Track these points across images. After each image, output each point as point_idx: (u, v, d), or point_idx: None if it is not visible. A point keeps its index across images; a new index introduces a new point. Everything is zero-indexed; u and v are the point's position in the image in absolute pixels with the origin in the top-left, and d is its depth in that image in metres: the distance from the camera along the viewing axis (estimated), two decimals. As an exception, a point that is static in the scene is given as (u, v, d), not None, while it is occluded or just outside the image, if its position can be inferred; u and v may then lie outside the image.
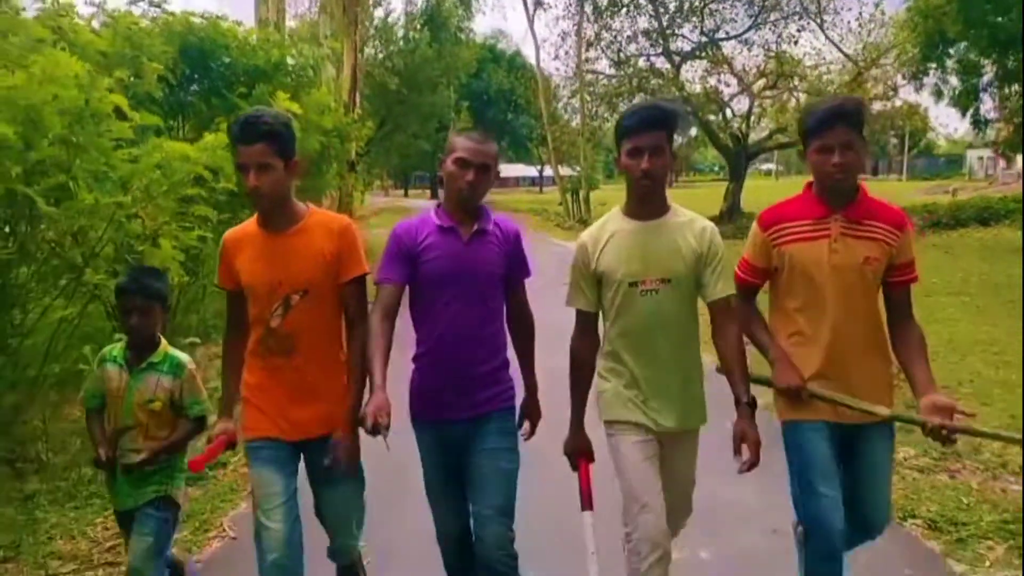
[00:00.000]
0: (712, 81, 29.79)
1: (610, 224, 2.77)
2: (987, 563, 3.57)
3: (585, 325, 2.81)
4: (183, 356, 3.05)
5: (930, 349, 2.72)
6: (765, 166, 76.99)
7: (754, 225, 2.85)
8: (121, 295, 2.97)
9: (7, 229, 4.53)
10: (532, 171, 63.95)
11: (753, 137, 31.09)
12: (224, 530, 4.08)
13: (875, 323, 2.71)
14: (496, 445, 2.71)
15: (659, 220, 2.71)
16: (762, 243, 2.79)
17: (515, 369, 2.89)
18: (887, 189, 37.40)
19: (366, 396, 2.49)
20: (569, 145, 32.72)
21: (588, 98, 30.97)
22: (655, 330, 2.68)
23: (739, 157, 29.74)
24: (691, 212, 2.78)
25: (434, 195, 55.25)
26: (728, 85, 29.88)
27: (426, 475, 2.82)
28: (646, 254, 2.67)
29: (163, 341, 3.01)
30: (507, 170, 57.09)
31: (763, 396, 2.70)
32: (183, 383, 2.98)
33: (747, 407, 2.59)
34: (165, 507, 2.96)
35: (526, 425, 2.92)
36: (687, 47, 29.89)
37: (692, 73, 30.65)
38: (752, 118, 30.69)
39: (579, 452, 2.78)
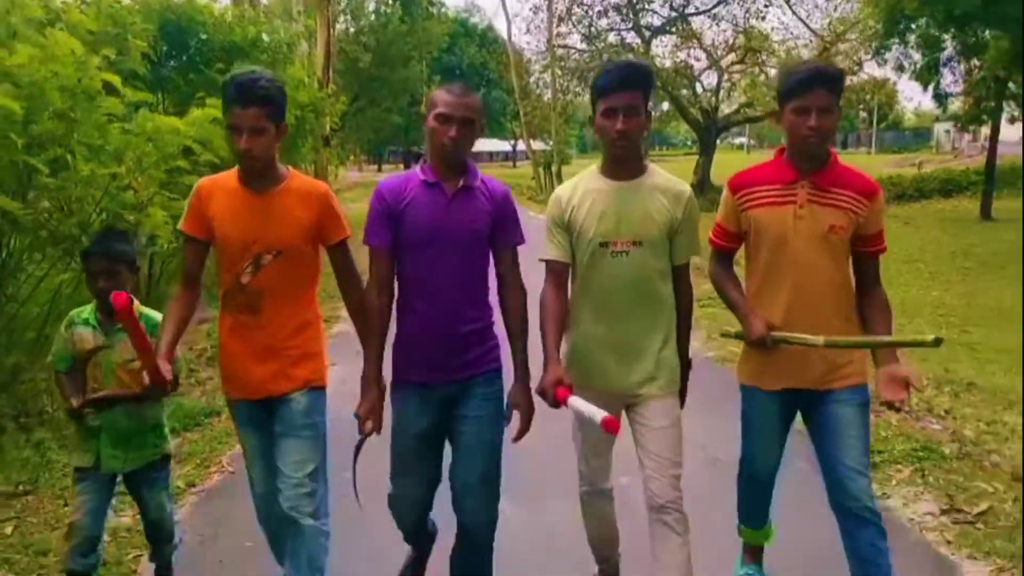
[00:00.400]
0: (682, 56, 30.18)
1: (585, 182, 2.72)
2: (893, 482, 4.05)
3: (557, 278, 2.69)
4: (157, 315, 2.97)
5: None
6: (738, 140, 77.54)
7: (725, 189, 2.86)
8: (87, 259, 2.93)
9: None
10: (505, 146, 64.06)
11: (723, 111, 31.55)
12: (223, 466, 4.47)
13: (840, 289, 2.71)
14: (481, 412, 2.66)
15: (635, 181, 2.64)
16: (732, 207, 2.79)
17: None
18: (855, 162, 38.04)
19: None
20: (541, 119, 32.93)
21: (560, 72, 31.14)
22: (622, 292, 2.63)
23: (709, 131, 30.23)
24: (668, 174, 2.72)
25: (407, 169, 55.13)
26: (698, 60, 30.30)
27: (401, 443, 2.70)
28: (619, 215, 2.61)
29: (135, 302, 2.76)
30: (480, 144, 57.00)
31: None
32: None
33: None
34: (163, 464, 3.11)
35: (514, 420, 2.65)
36: (657, 22, 30.24)
37: (662, 48, 31.02)
38: (721, 92, 31.15)
39: (556, 382, 2.47)
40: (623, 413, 2.70)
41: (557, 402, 2.46)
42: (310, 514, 2.64)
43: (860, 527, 2.61)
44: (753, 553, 3.13)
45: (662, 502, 2.58)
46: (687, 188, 2.72)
